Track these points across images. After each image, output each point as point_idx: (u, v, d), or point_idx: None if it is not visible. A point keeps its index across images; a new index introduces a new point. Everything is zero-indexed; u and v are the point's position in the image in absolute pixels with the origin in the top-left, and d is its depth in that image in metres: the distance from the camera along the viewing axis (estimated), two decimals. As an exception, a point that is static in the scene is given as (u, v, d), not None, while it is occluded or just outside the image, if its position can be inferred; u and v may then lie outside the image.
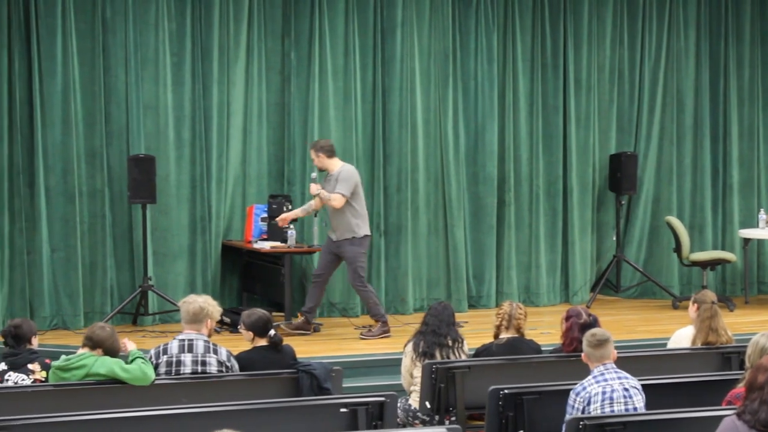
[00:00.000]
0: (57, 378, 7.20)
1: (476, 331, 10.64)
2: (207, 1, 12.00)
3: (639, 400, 6.75)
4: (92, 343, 7.25)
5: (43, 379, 7.37)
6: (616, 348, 6.93)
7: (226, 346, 7.81)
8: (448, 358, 8.26)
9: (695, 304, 8.41)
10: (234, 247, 12.14)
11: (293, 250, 11.56)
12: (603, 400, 6.65)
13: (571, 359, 7.85)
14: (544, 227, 13.19)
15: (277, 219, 11.37)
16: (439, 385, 7.88)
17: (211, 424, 5.31)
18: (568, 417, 6.64)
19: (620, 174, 13.11)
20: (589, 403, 6.65)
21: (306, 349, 9.95)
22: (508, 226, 13.02)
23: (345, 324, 11.83)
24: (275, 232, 11.69)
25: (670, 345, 8.70)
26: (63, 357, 7.26)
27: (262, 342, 7.82)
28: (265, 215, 11.92)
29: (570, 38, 13.23)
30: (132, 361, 7.22)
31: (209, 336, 7.65)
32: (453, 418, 7.90)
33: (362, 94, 12.49)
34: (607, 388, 6.69)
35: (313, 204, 11.22)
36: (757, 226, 13.32)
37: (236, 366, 7.64)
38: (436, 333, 8.34)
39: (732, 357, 8.22)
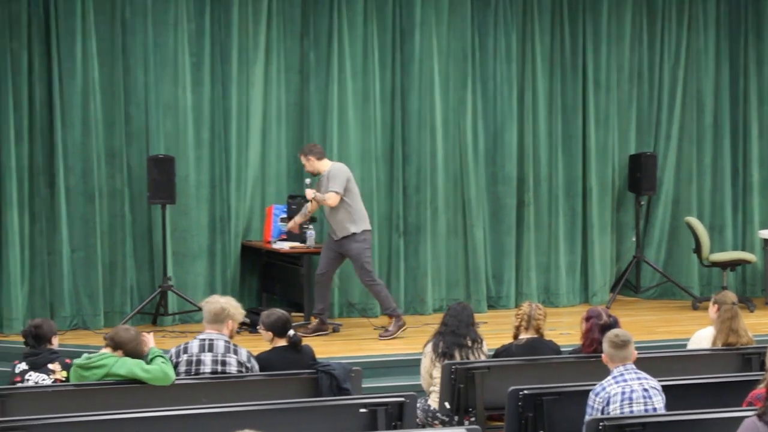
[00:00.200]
0: (77, 375, 7.22)
1: (496, 331, 10.61)
2: (226, 2, 12.01)
3: (659, 401, 6.73)
4: (114, 343, 7.28)
5: (64, 379, 7.39)
6: (636, 349, 6.92)
7: (246, 346, 7.82)
8: (468, 358, 8.25)
9: (715, 305, 8.37)
10: (253, 248, 12.15)
11: (312, 250, 11.56)
12: (622, 401, 6.64)
13: (590, 360, 7.84)
14: (564, 228, 13.16)
15: (288, 228, 11.51)
16: (458, 386, 7.88)
17: (230, 425, 5.32)
18: (587, 418, 6.64)
19: (640, 174, 13.07)
20: (608, 404, 6.64)
21: (325, 349, 9.95)
22: (527, 226, 13.00)
23: (364, 324, 11.82)
24: (294, 233, 11.71)
25: (690, 346, 8.67)
26: (85, 355, 7.28)
27: (282, 342, 7.83)
28: (285, 215, 11.94)
29: (589, 38, 13.19)
30: (152, 360, 7.23)
31: (231, 337, 7.66)
32: (472, 419, 7.89)
33: (381, 95, 12.49)
34: (626, 388, 6.68)
35: (309, 207, 11.25)
36: (777, 227, 13.30)
37: (256, 367, 7.64)
38: (456, 333, 8.33)
39: (752, 358, 8.18)
